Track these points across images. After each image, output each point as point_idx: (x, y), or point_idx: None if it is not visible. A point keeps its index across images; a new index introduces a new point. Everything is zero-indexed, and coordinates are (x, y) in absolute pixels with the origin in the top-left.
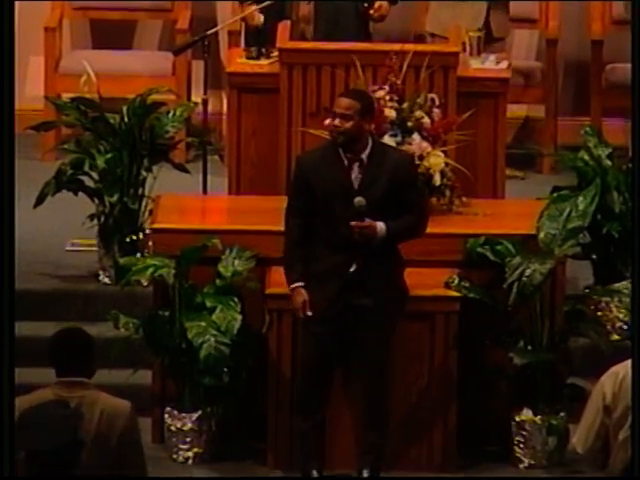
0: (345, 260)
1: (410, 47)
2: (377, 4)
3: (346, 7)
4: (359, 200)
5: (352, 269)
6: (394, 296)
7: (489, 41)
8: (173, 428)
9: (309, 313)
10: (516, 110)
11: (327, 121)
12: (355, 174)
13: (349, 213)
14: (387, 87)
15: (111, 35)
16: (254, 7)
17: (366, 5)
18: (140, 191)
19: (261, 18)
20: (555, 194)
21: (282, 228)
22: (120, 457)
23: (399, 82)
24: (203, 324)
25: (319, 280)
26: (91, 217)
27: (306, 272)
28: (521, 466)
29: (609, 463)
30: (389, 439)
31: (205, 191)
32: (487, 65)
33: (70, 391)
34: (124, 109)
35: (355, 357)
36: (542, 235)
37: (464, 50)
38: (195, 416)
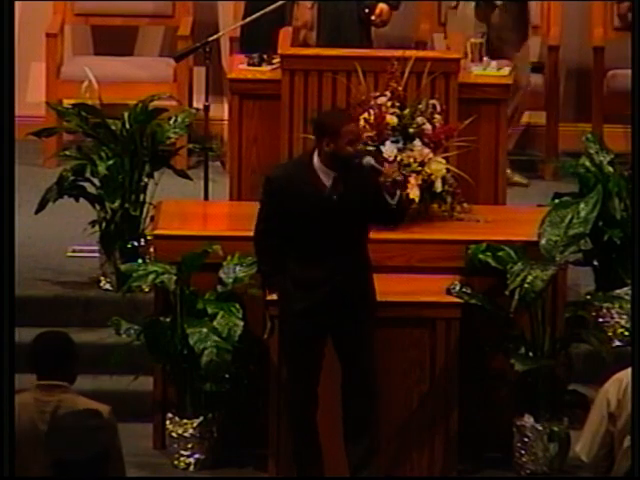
0: (326, 272)
1: (411, 53)
2: (378, 10)
3: (348, 13)
4: (367, 160)
5: (338, 278)
6: (368, 302)
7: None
8: (174, 434)
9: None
10: None
11: (350, 149)
12: (330, 190)
13: (325, 227)
14: (388, 93)
15: (112, 41)
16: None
17: (367, 11)
18: (141, 197)
19: None
20: (556, 201)
21: None
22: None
23: (400, 88)
24: (204, 330)
25: (304, 288)
26: (92, 223)
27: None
28: (522, 472)
29: (613, 470)
30: (390, 445)
31: (206, 197)
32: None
33: (49, 394)
34: (125, 115)
35: (343, 370)
36: (543, 242)
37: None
38: (196, 422)
